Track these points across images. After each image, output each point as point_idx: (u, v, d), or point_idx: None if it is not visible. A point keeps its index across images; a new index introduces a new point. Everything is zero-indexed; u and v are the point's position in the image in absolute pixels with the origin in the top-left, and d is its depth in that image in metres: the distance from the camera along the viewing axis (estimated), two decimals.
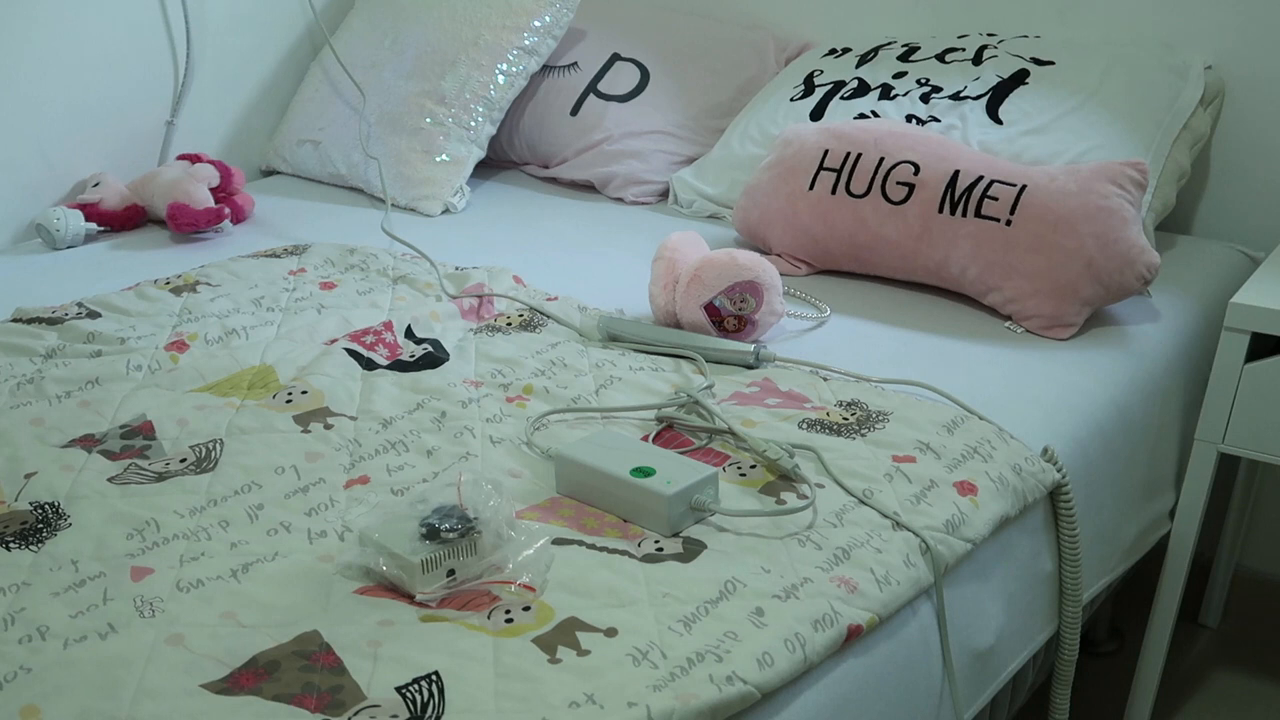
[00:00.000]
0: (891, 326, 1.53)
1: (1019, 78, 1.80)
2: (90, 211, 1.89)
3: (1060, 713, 1.40)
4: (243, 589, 0.97)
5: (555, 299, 1.58)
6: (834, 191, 1.64)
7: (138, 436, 1.22)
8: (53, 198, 1.96)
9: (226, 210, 1.88)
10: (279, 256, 1.73)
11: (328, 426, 1.24)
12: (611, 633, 0.92)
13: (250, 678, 0.87)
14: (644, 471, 1.07)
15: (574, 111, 2.12)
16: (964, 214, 1.54)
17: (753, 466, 1.17)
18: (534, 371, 1.37)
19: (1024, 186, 1.52)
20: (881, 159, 1.62)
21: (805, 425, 1.24)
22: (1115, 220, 1.48)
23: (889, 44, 1.98)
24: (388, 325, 1.48)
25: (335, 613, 0.94)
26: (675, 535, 1.05)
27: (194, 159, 2.00)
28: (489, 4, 2.11)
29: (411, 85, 2.07)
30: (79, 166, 1.99)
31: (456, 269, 1.68)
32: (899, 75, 1.89)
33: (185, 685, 0.86)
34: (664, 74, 2.13)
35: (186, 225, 1.85)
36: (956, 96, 1.80)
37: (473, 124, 2.05)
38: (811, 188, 1.66)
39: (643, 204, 2.05)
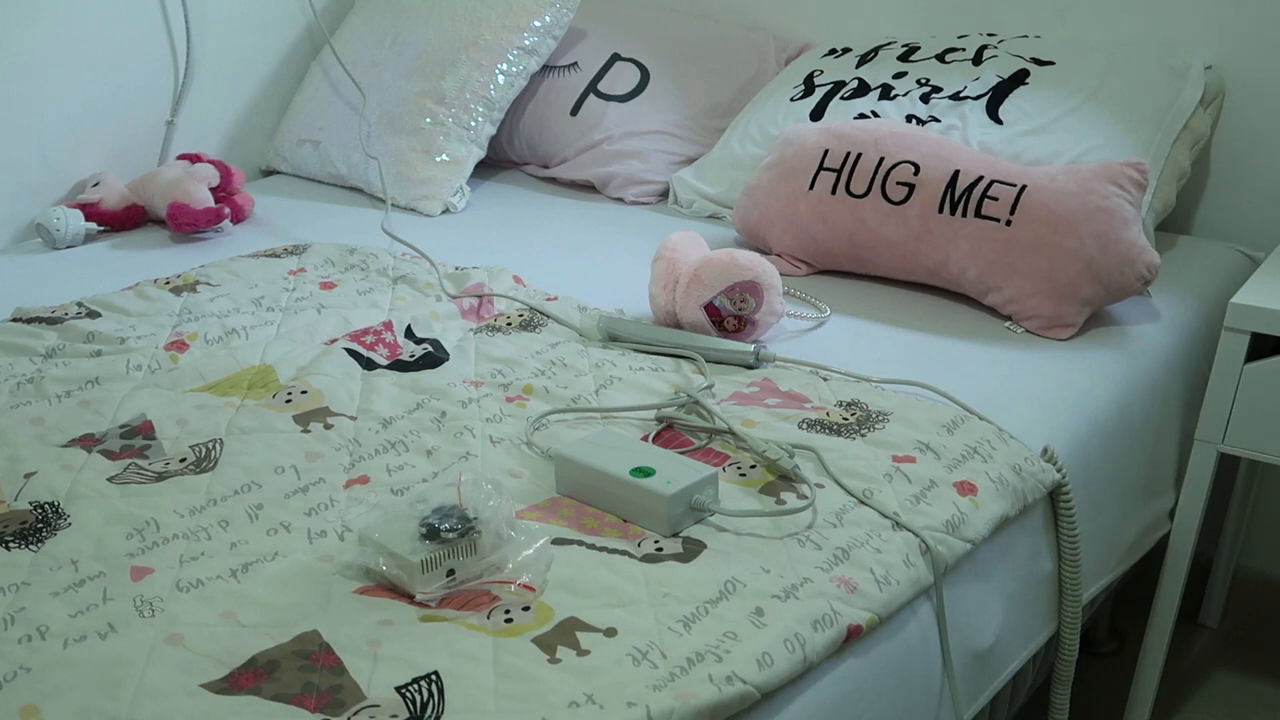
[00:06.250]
0: (891, 326, 1.53)
1: (1019, 78, 1.80)
2: (90, 211, 1.89)
3: (1060, 713, 1.40)
4: (242, 589, 0.97)
5: (555, 299, 1.58)
6: (834, 191, 1.64)
7: (138, 436, 1.22)
8: (53, 198, 1.96)
9: (226, 210, 1.88)
10: (279, 256, 1.73)
11: (328, 426, 1.24)
12: (611, 633, 0.92)
13: (250, 678, 0.87)
14: (644, 471, 1.07)
15: (574, 111, 2.12)
16: (964, 214, 1.54)
17: (753, 466, 1.17)
18: (534, 371, 1.37)
19: (1024, 186, 1.52)
20: (881, 159, 1.62)
21: (805, 425, 1.24)
22: (1115, 220, 1.48)
23: (889, 44, 1.98)
24: (388, 325, 1.48)
25: (335, 613, 0.94)
26: (675, 535, 1.05)
27: (194, 159, 2.00)
28: (489, 4, 2.11)
29: (411, 85, 2.07)
30: (79, 166, 1.99)
31: (456, 269, 1.68)
32: (899, 75, 1.89)
33: (185, 685, 0.86)
34: (664, 74, 2.13)
35: (186, 225, 1.84)
36: (956, 96, 1.80)
37: (473, 124, 2.05)
38: (811, 188, 1.66)
39: (643, 204, 2.05)
